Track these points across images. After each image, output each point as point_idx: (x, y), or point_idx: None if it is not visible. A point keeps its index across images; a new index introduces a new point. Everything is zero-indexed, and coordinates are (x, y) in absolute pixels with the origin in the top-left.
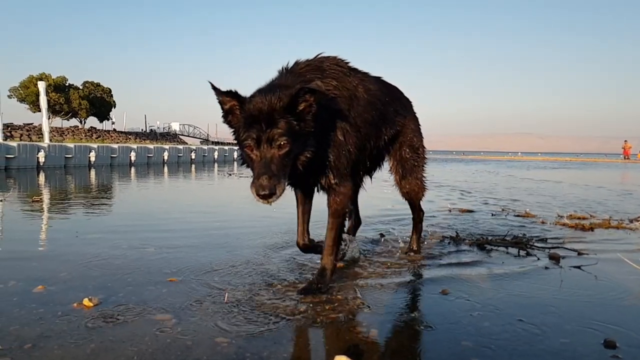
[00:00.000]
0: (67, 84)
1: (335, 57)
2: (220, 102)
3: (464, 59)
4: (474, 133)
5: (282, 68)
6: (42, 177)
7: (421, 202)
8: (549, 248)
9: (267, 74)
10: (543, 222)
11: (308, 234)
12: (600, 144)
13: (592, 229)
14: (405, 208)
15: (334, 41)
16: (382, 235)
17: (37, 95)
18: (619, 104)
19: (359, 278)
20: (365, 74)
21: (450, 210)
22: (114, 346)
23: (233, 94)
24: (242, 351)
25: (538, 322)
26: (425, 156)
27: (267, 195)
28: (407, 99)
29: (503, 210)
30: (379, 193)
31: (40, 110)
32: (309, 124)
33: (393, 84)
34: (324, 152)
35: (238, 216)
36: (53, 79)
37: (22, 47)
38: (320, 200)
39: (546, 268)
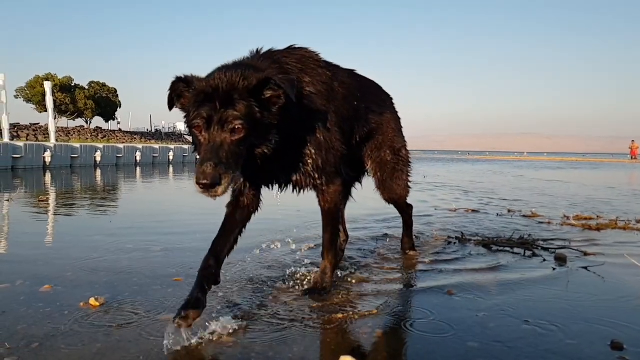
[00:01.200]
0: (73, 84)
1: (307, 49)
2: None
3: (466, 59)
4: (479, 133)
5: (256, 50)
6: (48, 177)
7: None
8: (555, 249)
9: None
10: (549, 223)
11: (220, 258)
12: (606, 143)
13: (598, 229)
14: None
15: (337, 40)
16: (386, 235)
17: (44, 95)
18: (624, 103)
19: (362, 281)
20: (337, 67)
21: (455, 210)
22: (120, 345)
23: (177, 78)
24: (248, 351)
25: (544, 323)
26: (409, 159)
27: (209, 185)
28: (387, 94)
29: (509, 211)
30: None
31: (46, 111)
32: (274, 116)
33: (369, 77)
34: (300, 152)
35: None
36: (59, 79)
37: (28, 48)
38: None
39: (553, 269)
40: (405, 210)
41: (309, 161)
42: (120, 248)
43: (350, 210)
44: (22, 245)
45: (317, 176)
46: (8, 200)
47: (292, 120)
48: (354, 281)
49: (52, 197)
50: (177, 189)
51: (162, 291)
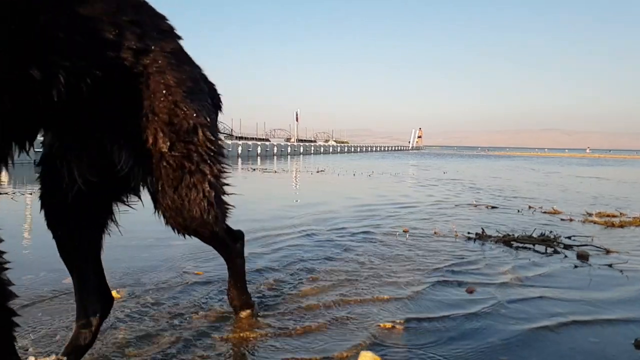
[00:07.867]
0: None
1: None
2: None
3: (486, 55)
4: (499, 129)
5: None
6: None
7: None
8: (577, 246)
9: (280, 72)
10: (571, 220)
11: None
12: (630, 140)
13: (622, 226)
14: (416, 202)
15: (344, 39)
16: (405, 231)
17: None
18: None
19: (376, 277)
20: None
21: (476, 206)
22: (142, 337)
23: None
24: (273, 342)
25: (566, 321)
26: (215, 145)
27: None
28: (149, 8)
29: (530, 207)
30: (379, 194)
31: None
32: None
33: None
34: None
35: (251, 213)
36: None
37: None
38: None
39: (575, 267)
40: (224, 246)
41: None
42: (141, 241)
43: None
44: (46, 237)
45: None
46: (31, 194)
47: None
48: (369, 279)
49: None
50: None
51: (184, 284)
